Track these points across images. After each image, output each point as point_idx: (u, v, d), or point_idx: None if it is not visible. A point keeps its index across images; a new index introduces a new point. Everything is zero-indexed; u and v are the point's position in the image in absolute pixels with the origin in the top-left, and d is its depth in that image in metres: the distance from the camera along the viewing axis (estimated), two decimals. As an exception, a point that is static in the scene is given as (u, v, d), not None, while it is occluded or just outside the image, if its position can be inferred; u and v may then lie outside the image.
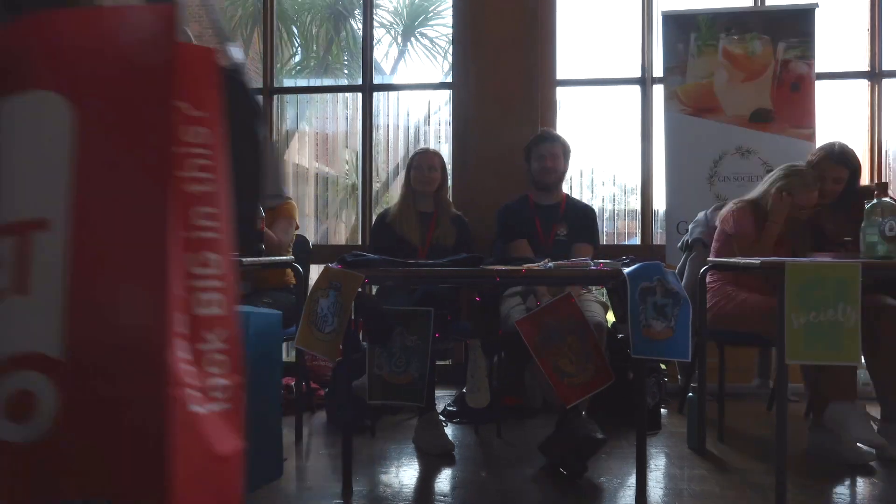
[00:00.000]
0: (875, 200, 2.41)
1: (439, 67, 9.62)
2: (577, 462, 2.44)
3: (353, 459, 2.33)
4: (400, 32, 9.74)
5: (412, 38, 9.75)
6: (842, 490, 2.38)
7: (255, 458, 2.07)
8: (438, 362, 3.15)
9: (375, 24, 4.91)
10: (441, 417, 3.26)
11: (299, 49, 10.06)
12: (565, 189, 3.48)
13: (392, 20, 9.62)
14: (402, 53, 9.76)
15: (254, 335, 2.04)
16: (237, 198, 1.28)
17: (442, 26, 9.52)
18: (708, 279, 2.85)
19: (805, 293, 2.03)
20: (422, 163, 3.26)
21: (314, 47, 9.82)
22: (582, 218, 3.33)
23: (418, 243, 3.19)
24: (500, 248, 3.28)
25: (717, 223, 3.04)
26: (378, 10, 9.16)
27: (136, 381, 0.97)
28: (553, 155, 3.28)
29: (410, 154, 3.51)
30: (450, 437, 2.79)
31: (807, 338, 2.03)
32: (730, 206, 3.00)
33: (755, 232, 2.85)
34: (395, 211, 3.29)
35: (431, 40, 9.58)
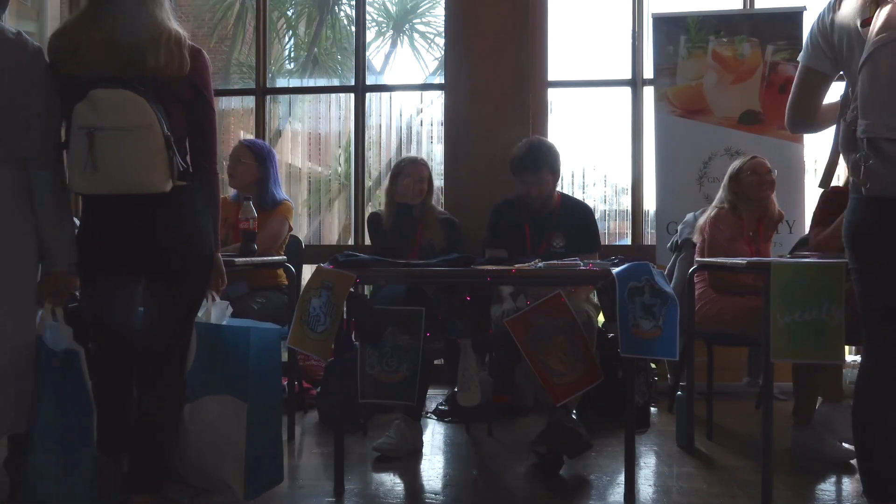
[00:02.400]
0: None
1: (428, 65, 9.62)
2: (560, 459, 2.48)
3: (345, 458, 2.34)
4: (391, 27, 9.75)
5: (402, 34, 9.74)
6: (827, 487, 2.41)
7: (261, 464, 2.10)
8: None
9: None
10: (432, 416, 3.29)
11: (289, 42, 10.03)
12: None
13: (381, 18, 9.62)
14: (392, 49, 9.75)
15: (256, 350, 2.06)
16: None
17: (432, 18, 9.51)
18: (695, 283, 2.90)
19: (790, 293, 2.07)
20: (412, 173, 3.21)
21: (301, 36, 9.80)
22: (580, 224, 3.12)
23: (408, 246, 3.20)
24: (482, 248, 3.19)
25: (697, 234, 3.14)
26: (368, 6, 9.13)
27: None
28: (539, 181, 3.06)
29: (400, 157, 3.49)
30: (441, 436, 2.81)
31: (791, 337, 2.06)
32: (707, 213, 3.13)
33: (729, 240, 2.97)
34: (384, 214, 3.30)
35: (422, 35, 9.59)
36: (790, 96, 1.89)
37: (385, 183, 3.60)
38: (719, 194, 3.17)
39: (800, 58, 1.84)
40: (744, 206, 3.06)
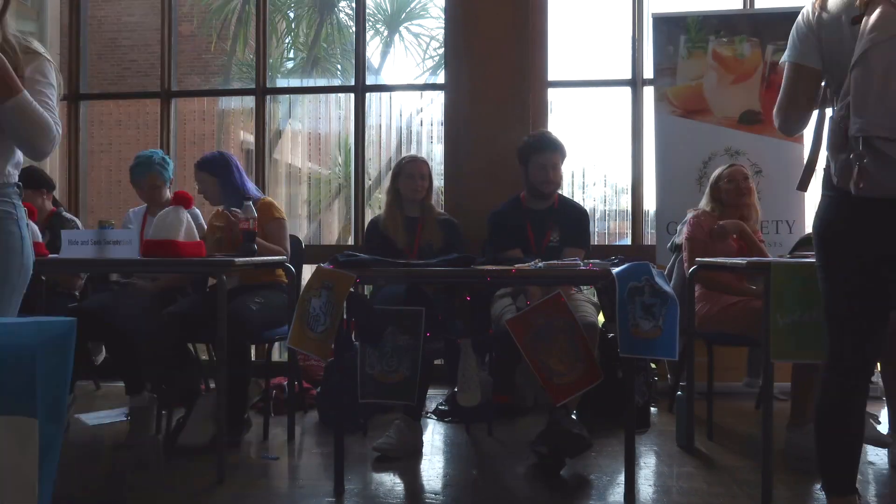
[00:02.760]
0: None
1: (425, 64, 9.63)
2: (561, 460, 2.49)
3: (344, 458, 2.34)
4: (386, 26, 9.75)
5: (398, 34, 9.74)
6: (827, 487, 2.41)
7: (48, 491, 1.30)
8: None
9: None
10: (432, 416, 3.29)
11: (289, 44, 10.02)
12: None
13: (378, 16, 9.63)
14: (387, 48, 9.75)
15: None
16: None
17: (429, 19, 9.53)
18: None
19: (789, 293, 2.06)
20: (413, 171, 3.24)
21: (300, 38, 9.79)
22: (574, 222, 3.23)
23: (406, 247, 3.21)
24: (490, 254, 3.25)
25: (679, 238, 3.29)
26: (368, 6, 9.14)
27: None
28: (555, 165, 3.16)
29: (400, 157, 3.51)
30: (441, 436, 2.80)
31: (792, 337, 2.06)
32: (688, 216, 3.26)
33: (707, 235, 3.11)
34: (384, 217, 3.31)
35: (416, 36, 9.58)
36: (781, 98, 1.83)
37: (385, 182, 3.61)
38: (702, 200, 3.31)
39: (787, 57, 1.79)
40: (724, 213, 3.18)
